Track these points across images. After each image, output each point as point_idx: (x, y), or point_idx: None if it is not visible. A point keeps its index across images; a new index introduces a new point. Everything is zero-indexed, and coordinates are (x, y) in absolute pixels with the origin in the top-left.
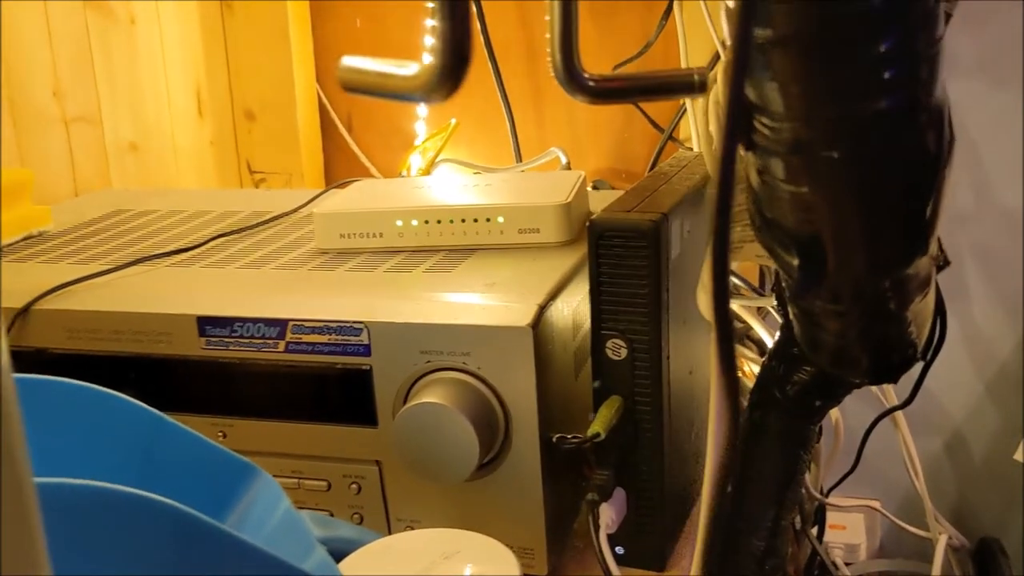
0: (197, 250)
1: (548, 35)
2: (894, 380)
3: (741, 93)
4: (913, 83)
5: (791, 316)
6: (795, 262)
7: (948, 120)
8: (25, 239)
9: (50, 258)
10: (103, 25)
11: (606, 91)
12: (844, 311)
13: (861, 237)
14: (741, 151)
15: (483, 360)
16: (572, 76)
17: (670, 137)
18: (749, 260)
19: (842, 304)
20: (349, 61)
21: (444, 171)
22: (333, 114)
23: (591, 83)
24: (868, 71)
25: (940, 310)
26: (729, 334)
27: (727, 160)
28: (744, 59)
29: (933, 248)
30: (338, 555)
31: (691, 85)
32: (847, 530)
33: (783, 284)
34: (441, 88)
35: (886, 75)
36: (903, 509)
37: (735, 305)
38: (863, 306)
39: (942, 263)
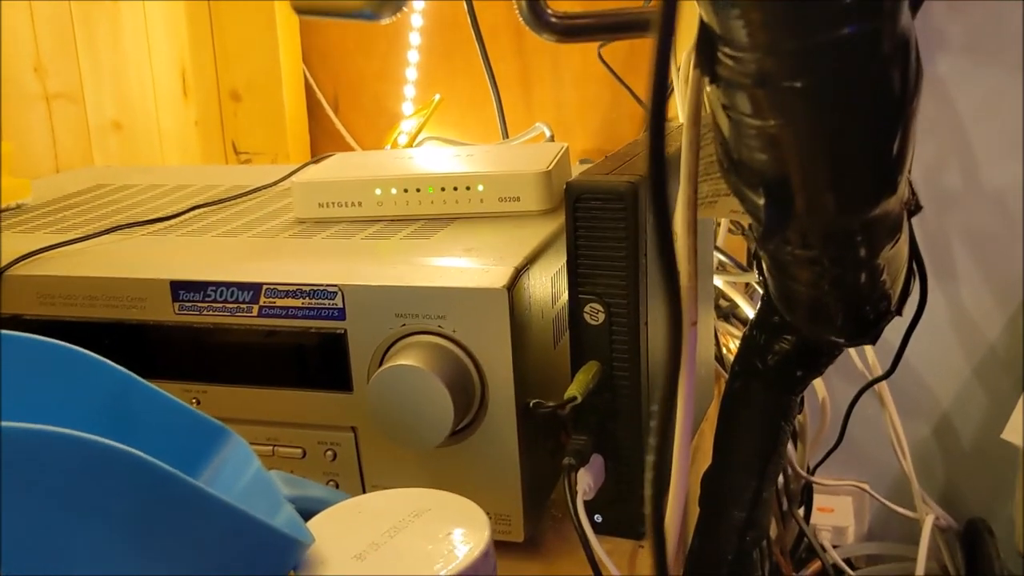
0: (174, 220)
1: None
2: (870, 340)
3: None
4: (876, 10)
5: (765, 272)
6: (761, 201)
7: (915, 53)
8: (3, 211)
9: (27, 228)
10: (85, 2)
11: (572, 28)
12: (815, 258)
13: (827, 174)
14: (707, 90)
15: (458, 323)
16: (537, 14)
17: None
18: (723, 215)
19: (813, 250)
20: None
21: (428, 147)
22: (319, 94)
23: (555, 20)
24: None
25: (920, 267)
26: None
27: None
28: None
29: (903, 190)
30: (308, 515)
31: None
32: (835, 512)
33: (753, 233)
34: (387, 2)
35: (848, 0)
36: (892, 491)
37: (720, 281)
38: (833, 251)
39: (913, 208)
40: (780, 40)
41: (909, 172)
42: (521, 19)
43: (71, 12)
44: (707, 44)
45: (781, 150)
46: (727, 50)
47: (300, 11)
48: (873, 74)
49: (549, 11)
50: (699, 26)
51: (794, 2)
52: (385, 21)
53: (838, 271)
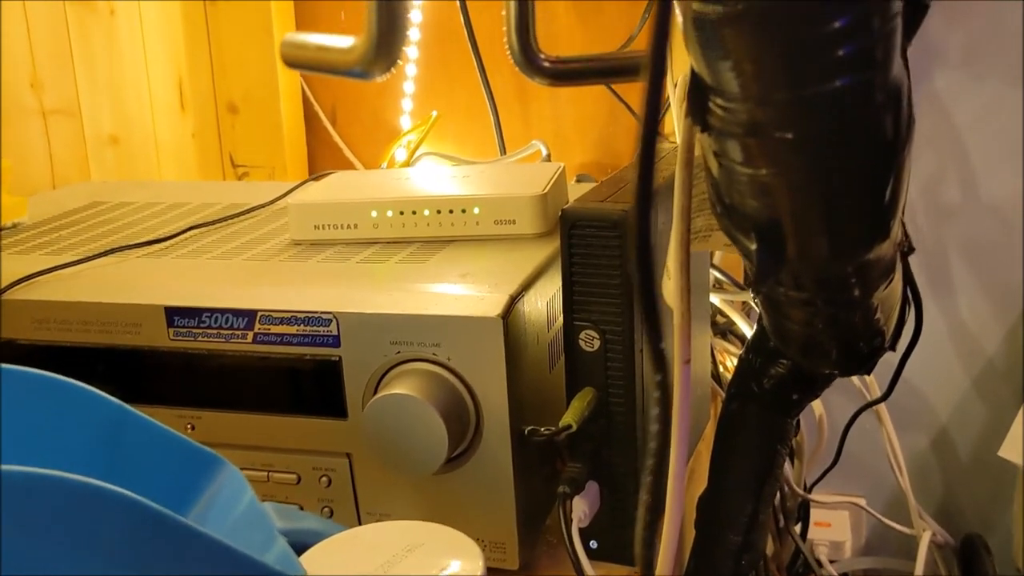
0: (169, 241)
1: (504, 19)
2: (865, 371)
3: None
4: (868, 62)
5: (760, 307)
6: (753, 247)
7: (907, 101)
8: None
9: (23, 249)
10: (82, 16)
11: (563, 72)
12: (808, 299)
13: (820, 221)
14: (699, 134)
15: (453, 351)
16: (529, 58)
17: None
18: (718, 248)
19: (806, 291)
20: (292, 37)
21: (426, 164)
22: (317, 107)
23: (547, 64)
24: (822, 49)
25: (916, 298)
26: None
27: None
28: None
29: (896, 233)
30: (302, 547)
31: None
32: (832, 527)
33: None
34: (377, 61)
35: (840, 53)
36: (889, 506)
37: (717, 299)
38: (827, 293)
39: (906, 249)
40: (772, 91)
41: (902, 214)
42: (513, 62)
43: (67, 27)
44: (698, 94)
45: (773, 197)
46: (719, 100)
47: (291, 64)
48: (866, 124)
49: (542, 55)
50: (690, 76)
51: (787, 54)
52: (378, 80)
53: (832, 311)
